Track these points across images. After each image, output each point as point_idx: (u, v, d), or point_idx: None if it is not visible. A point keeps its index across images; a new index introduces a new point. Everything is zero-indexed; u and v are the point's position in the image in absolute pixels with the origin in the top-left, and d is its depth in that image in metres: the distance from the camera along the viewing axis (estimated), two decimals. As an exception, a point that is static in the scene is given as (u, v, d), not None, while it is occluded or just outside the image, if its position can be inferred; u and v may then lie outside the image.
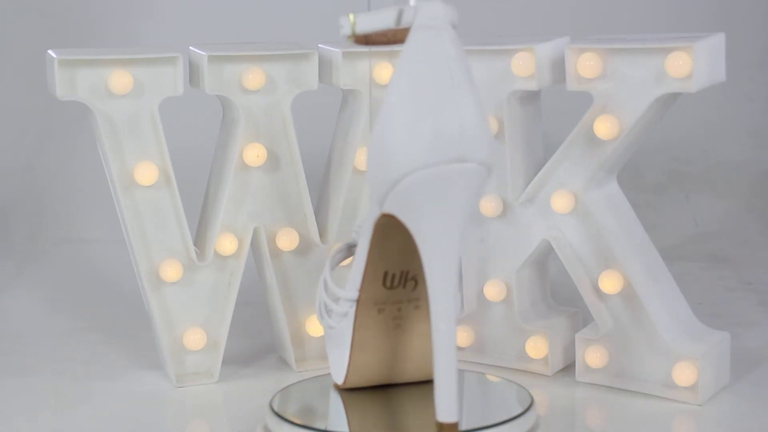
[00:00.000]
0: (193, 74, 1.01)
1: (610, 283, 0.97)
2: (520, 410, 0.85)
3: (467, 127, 0.74)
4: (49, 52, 0.98)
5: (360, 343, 0.88)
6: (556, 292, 0.99)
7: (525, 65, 0.97)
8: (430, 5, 0.75)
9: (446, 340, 0.77)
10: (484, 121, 0.75)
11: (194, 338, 1.00)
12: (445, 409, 0.77)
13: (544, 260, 1.04)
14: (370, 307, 0.87)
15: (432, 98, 0.74)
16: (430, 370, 0.88)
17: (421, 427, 0.85)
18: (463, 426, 0.84)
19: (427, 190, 0.75)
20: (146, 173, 0.97)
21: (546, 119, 1.04)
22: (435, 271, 0.77)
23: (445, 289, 0.77)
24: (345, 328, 0.87)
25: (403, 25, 0.76)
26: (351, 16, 0.79)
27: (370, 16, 0.78)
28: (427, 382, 0.89)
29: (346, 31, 0.79)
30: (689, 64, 0.91)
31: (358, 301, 0.86)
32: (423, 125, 0.75)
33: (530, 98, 1.01)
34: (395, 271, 0.85)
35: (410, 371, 0.89)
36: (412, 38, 0.76)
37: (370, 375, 0.89)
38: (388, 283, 0.86)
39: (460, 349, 1.04)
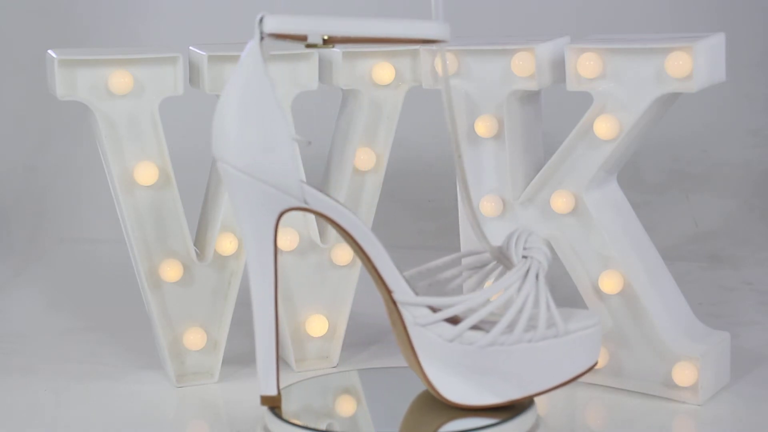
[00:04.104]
0: (193, 74, 1.01)
1: (610, 283, 0.97)
2: (520, 410, 0.85)
3: (218, 130, 0.83)
4: (49, 52, 0.98)
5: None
6: (556, 292, 0.98)
7: (525, 65, 0.97)
8: (258, 19, 0.83)
9: (260, 319, 0.86)
10: (246, 129, 0.82)
11: (194, 338, 1.00)
12: (262, 383, 0.85)
13: (544, 260, 1.04)
14: (387, 298, 0.87)
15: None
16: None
17: (421, 428, 0.85)
18: (464, 426, 0.84)
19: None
20: (146, 173, 0.97)
21: (546, 119, 1.04)
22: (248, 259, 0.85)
23: (257, 283, 0.85)
24: None
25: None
26: None
27: None
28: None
29: None
30: (689, 64, 0.91)
31: None
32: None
33: (530, 98, 1.01)
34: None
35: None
36: None
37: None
38: None
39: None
